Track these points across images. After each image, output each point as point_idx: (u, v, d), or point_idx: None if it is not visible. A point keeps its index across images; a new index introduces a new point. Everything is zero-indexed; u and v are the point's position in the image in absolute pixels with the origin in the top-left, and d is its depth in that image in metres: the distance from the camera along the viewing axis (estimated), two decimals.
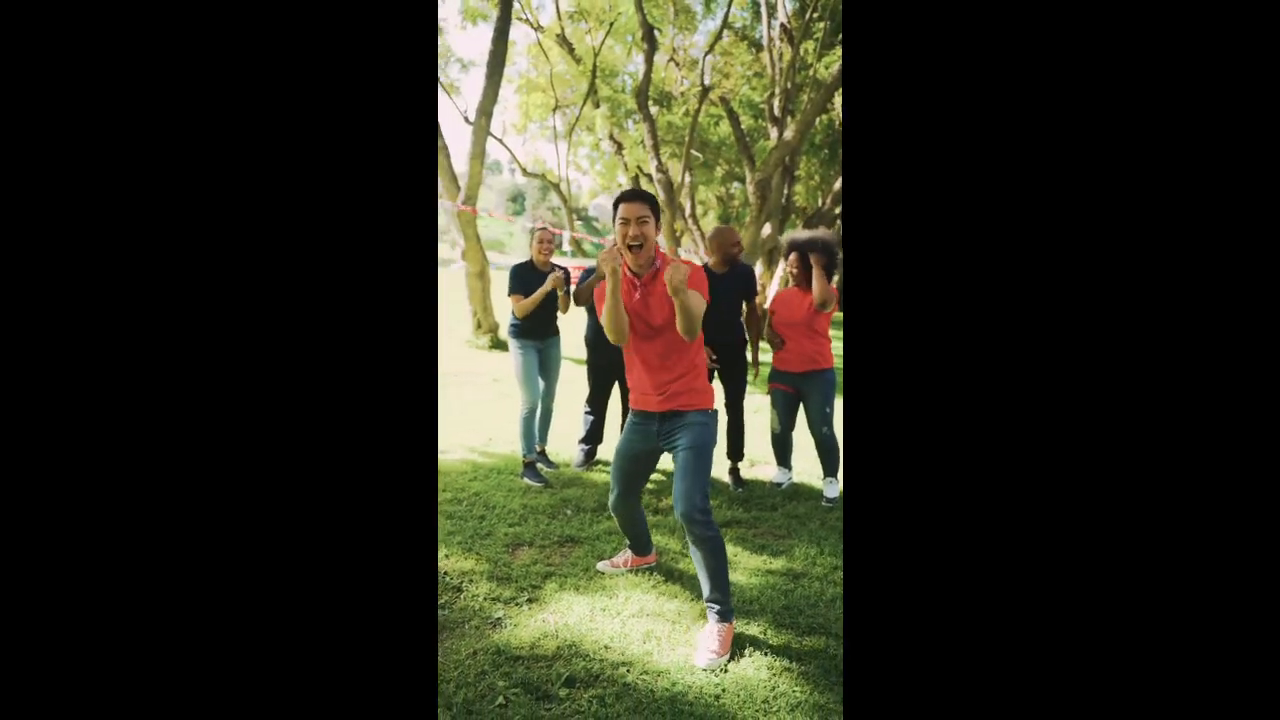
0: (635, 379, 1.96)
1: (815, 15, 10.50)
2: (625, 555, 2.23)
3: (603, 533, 2.48)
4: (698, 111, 11.03)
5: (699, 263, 2.56)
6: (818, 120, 10.35)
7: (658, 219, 1.87)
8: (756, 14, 12.39)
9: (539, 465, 3.33)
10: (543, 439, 3.38)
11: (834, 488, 2.98)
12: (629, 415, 2.02)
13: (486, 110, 7.49)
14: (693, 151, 12.60)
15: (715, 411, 1.93)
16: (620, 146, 13.52)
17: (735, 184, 16.09)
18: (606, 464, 3.44)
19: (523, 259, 3.31)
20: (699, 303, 1.84)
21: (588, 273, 3.29)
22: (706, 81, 11.06)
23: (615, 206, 1.87)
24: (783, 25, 10.69)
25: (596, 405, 3.39)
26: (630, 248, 1.84)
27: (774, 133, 10.54)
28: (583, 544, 2.38)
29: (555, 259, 3.83)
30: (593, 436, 3.40)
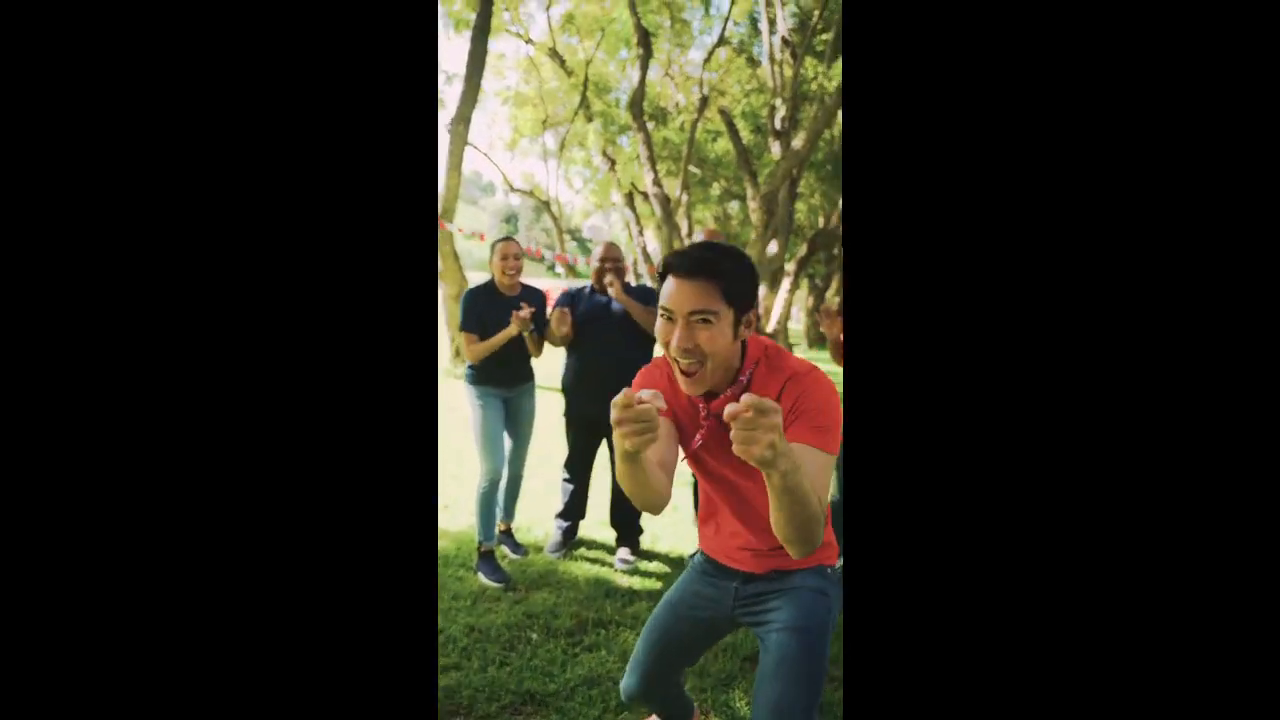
0: (714, 520, 1.18)
1: (819, 26, 9.97)
2: None
3: (580, 681, 1.68)
4: (696, 123, 10.45)
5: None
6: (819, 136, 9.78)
7: (740, 306, 0.99)
8: (755, 27, 11.92)
9: (502, 549, 2.54)
10: (508, 515, 2.60)
11: None
12: (694, 558, 1.24)
13: (465, 116, 6.80)
14: (690, 168, 12.03)
15: (838, 570, 1.14)
16: (613, 163, 12.91)
17: (733, 203, 15.50)
18: (590, 545, 2.65)
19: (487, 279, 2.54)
20: (824, 474, 0.95)
21: (568, 296, 2.53)
22: (704, 94, 10.53)
23: (662, 277, 1.01)
24: (783, 39, 10.18)
25: (578, 471, 2.61)
26: (683, 372, 0.99)
27: (776, 147, 9.98)
28: (550, 707, 1.58)
29: (540, 281, 3.02)
30: (572, 510, 2.62)
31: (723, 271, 0.97)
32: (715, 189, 14.75)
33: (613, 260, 2.49)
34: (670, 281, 0.98)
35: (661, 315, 1.00)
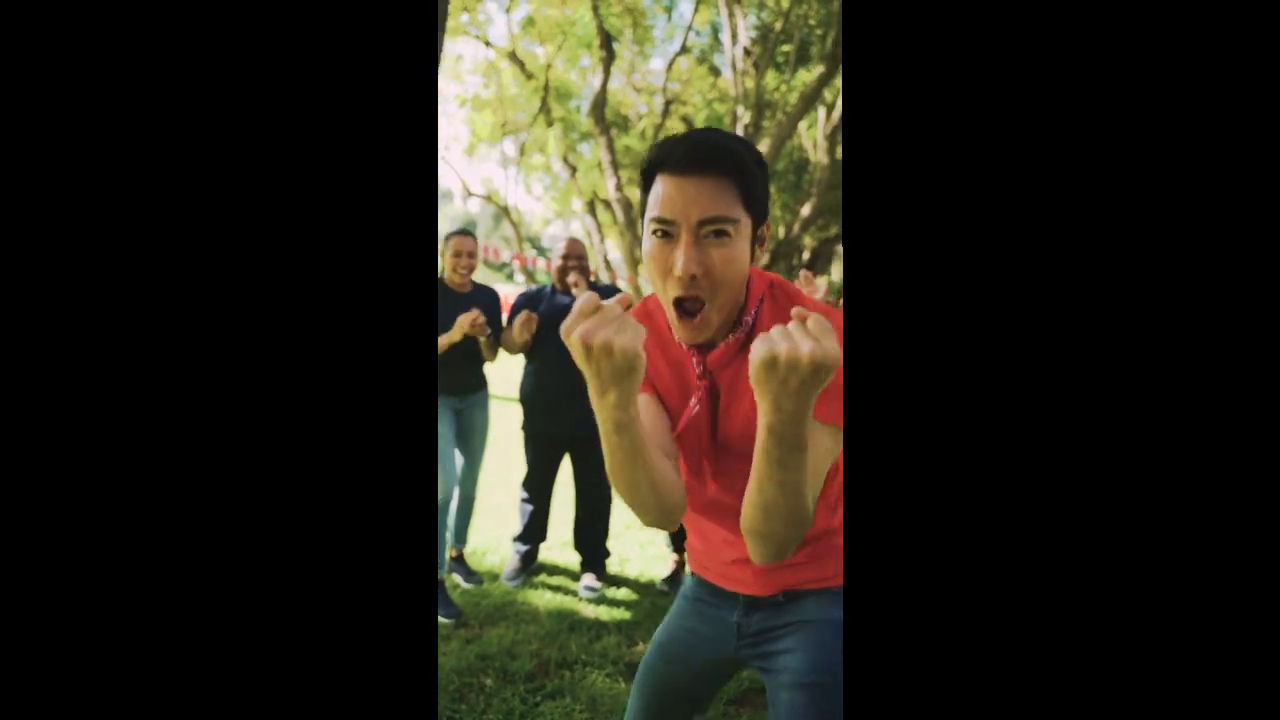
0: (700, 527, 0.92)
1: (780, 37, 10.03)
2: None
3: None
4: (658, 130, 10.39)
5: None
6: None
7: (758, 217, 0.73)
8: (716, 37, 11.96)
9: (453, 577, 2.29)
10: (460, 539, 2.35)
11: None
12: (686, 584, 0.99)
13: None
14: None
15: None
16: (574, 170, 12.72)
17: None
18: (551, 570, 2.42)
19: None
20: (830, 457, 0.72)
21: (525, 298, 2.32)
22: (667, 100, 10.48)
23: (646, 181, 0.73)
24: (745, 49, 10.20)
25: (537, 489, 2.38)
26: (684, 311, 0.72)
27: None
28: None
29: (499, 288, 2.76)
30: (532, 533, 2.39)
31: (739, 165, 0.69)
32: None
33: (577, 258, 2.28)
34: (664, 183, 0.69)
35: (654, 232, 0.71)
